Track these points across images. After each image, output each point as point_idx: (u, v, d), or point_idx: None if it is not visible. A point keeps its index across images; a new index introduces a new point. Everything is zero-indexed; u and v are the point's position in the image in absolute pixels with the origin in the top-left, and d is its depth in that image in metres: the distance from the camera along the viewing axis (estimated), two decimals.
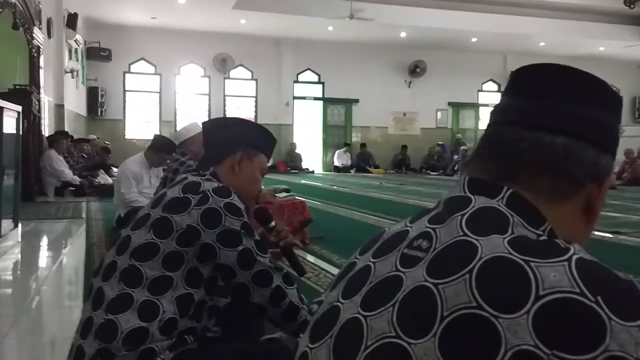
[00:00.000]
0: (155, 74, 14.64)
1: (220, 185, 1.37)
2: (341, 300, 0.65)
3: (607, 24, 14.43)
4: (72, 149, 9.05)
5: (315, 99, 16.18)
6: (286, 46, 15.30)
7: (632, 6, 12.66)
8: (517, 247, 0.55)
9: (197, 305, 1.29)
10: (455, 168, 14.36)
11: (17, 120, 4.36)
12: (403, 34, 14.59)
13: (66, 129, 9.64)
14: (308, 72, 15.96)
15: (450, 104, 17.13)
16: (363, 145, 16.02)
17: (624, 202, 7.54)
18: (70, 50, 10.86)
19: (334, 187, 10.50)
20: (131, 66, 14.42)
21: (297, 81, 15.88)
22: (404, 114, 16.71)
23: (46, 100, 8.72)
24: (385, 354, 0.56)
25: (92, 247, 4.21)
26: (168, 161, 4.28)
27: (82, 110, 12.81)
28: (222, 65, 14.81)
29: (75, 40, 10.90)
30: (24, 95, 6.77)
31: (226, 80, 15.23)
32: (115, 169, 8.36)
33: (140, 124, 14.61)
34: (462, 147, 14.90)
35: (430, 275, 0.56)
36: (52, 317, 2.81)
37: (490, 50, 16.10)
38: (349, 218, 6.07)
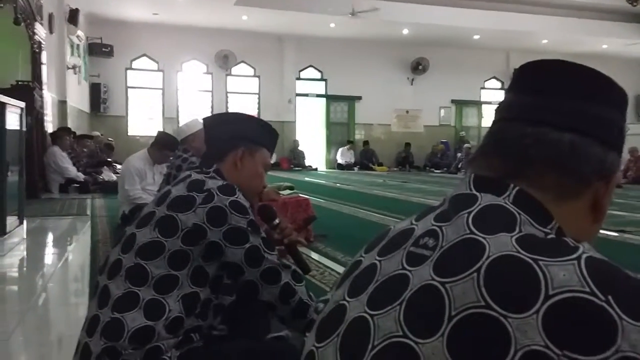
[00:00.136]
0: (158, 70, 14.64)
1: (224, 183, 1.36)
2: (347, 298, 0.64)
3: (610, 22, 14.38)
4: (75, 145, 9.05)
5: (318, 96, 16.16)
6: (288, 43, 15.27)
7: (635, 4, 12.61)
8: (526, 245, 0.54)
9: (203, 304, 1.29)
10: (459, 166, 14.35)
11: (21, 116, 4.35)
12: (405, 31, 14.55)
13: (69, 126, 9.65)
14: (310, 69, 15.94)
15: (453, 101, 17.10)
16: (366, 142, 16.00)
17: (629, 201, 7.52)
18: (72, 46, 10.85)
19: (338, 184, 10.50)
20: (133, 62, 14.41)
21: (299, 78, 15.86)
22: (407, 112, 16.68)
23: (49, 96, 8.72)
24: (392, 353, 0.55)
25: (97, 244, 4.21)
26: (171, 158, 4.28)
27: (85, 107, 12.81)
28: (224, 61, 14.80)
29: (77, 36, 10.90)
30: (27, 91, 6.77)
31: (228, 77, 15.22)
32: (118, 166, 8.37)
33: (143, 120, 14.61)
34: (466, 145, 14.86)
35: (437, 274, 0.56)
36: (58, 314, 2.82)
37: (493, 48, 16.06)
38: (352, 215, 6.06)
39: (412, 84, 16.52)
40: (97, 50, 13.24)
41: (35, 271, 3.63)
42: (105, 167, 9.40)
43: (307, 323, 1.36)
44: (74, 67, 10.60)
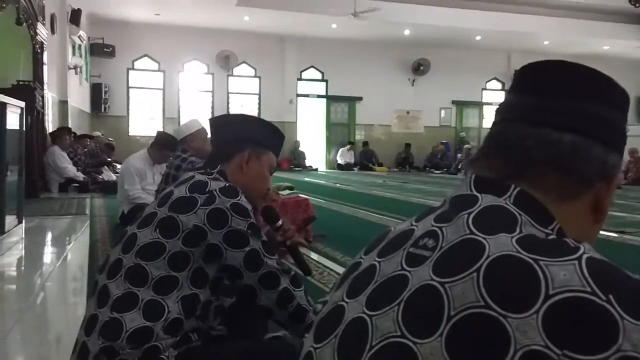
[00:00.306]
0: (159, 70, 14.65)
1: (227, 184, 1.35)
2: (346, 299, 0.64)
3: (612, 23, 14.36)
4: (75, 145, 9.06)
5: (319, 96, 16.16)
6: (290, 43, 15.28)
7: (637, 5, 12.59)
8: (526, 245, 0.54)
9: (203, 306, 1.29)
10: (459, 167, 14.34)
11: (21, 116, 4.36)
12: (407, 32, 14.55)
13: (70, 125, 9.65)
14: (312, 69, 15.94)
15: (454, 102, 17.09)
16: (365, 143, 16.00)
17: (629, 202, 7.52)
18: (73, 46, 10.86)
19: (338, 184, 10.50)
20: (135, 63, 14.43)
21: (300, 79, 15.86)
22: (408, 112, 16.68)
23: (50, 96, 8.72)
24: (390, 353, 0.55)
25: (96, 243, 4.21)
26: (171, 158, 4.28)
27: (86, 107, 12.82)
28: (226, 62, 14.81)
29: (79, 36, 10.90)
30: (28, 91, 6.77)
31: (229, 78, 15.23)
32: (119, 166, 8.37)
33: (144, 120, 14.62)
34: (466, 146, 14.86)
35: (437, 274, 0.56)
36: (56, 313, 2.81)
37: (494, 49, 16.05)
38: (352, 216, 6.06)
39: (412, 85, 16.52)
40: (99, 50, 13.25)
41: (34, 270, 3.63)
42: (105, 167, 9.40)
43: (307, 327, 1.35)
44: (75, 67, 10.61)
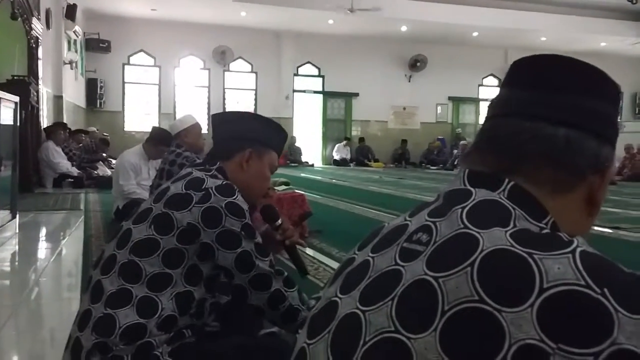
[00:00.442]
0: (155, 66, 14.59)
1: (224, 182, 1.33)
2: (339, 295, 0.64)
3: (609, 20, 14.40)
4: (70, 140, 9.02)
5: (315, 92, 16.15)
6: (286, 39, 15.24)
7: (634, 2, 12.61)
8: (520, 239, 0.54)
9: (198, 304, 1.28)
10: (455, 163, 14.35)
11: (15, 110, 4.33)
12: (404, 28, 14.53)
13: (65, 121, 9.62)
14: (308, 65, 15.91)
15: (450, 98, 17.10)
16: (361, 139, 16.00)
17: (624, 198, 7.54)
18: (69, 41, 10.81)
19: (334, 180, 10.49)
20: (130, 58, 14.37)
21: (297, 74, 15.83)
22: (404, 108, 16.68)
23: (44, 91, 8.68)
24: (384, 349, 0.55)
25: (90, 238, 4.19)
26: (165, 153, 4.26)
27: (81, 102, 12.77)
28: (222, 57, 14.76)
29: (74, 32, 10.85)
30: (22, 86, 6.74)
31: (226, 73, 15.18)
32: (114, 161, 8.34)
33: (140, 116, 14.57)
34: (462, 142, 14.89)
35: (431, 269, 0.55)
36: (50, 308, 2.80)
37: (491, 45, 16.05)
38: (348, 212, 6.06)
39: (409, 81, 16.51)
40: (94, 45, 13.20)
41: (27, 265, 3.61)
42: (100, 162, 9.37)
43: (299, 326, 1.33)
44: (70, 63, 10.56)
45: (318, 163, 15.92)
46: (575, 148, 0.63)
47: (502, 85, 0.71)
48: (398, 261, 0.60)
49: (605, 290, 0.48)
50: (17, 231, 4.35)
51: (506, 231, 0.55)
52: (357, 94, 16.15)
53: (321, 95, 16.23)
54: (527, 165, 0.63)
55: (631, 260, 0.53)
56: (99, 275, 1.27)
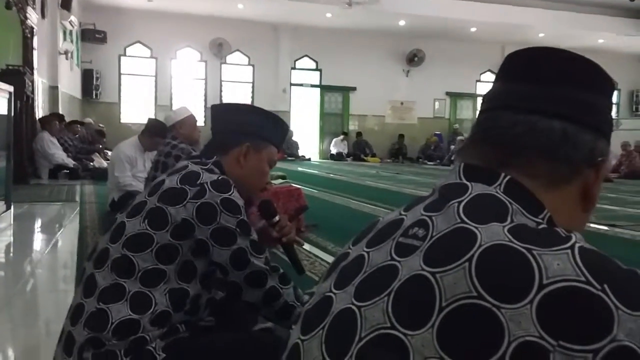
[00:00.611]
0: (151, 57, 14.52)
1: (220, 177, 1.30)
2: (334, 290, 0.63)
3: (607, 16, 14.40)
4: (65, 131, 8.97)
5: (313, 86, 16.11)
6: (284, 32, 15.18)
7: None
8: (518, 235, 0.53)
9: (193, 300, 1.26)
10: (452, 158, 14.37)
11: (9, 100, 4.30)
12: (402, 23, 14.49)
13: (60, 112, 9.56)
14: (306, 58, 15.86)
15: (448, 93, 17.09)
16: (359, 134, 15.98)
17: (620, 195, 7.56)
18: (64, 32, 10.73)
19: (331, 175, 10.48)
20: (127, 49, 14.28)
21: (294, 68, 15.79)
22: (402, 103, 16.66)
23: (40, 81, 8.62)
24: (380, 345, 0.54)
25: (85, 230, 4.17)
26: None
27: (77, 93, 12.70)
28: (219, 50, 14.70)
29: (70, 22, 10.77)
30: (17, 76, 6.67)
31: (223, 66, 15.12)
32: (110, 153, 8.31)
33: (136, 107, 14.50)
34: (459, 137, 14.89)
35: (428, 264, 0.55)
36: (45, 300, 2.78)
37: (489, 41, 16.03)
38: (344, 206, 6.05)
39: (407, 76, 16.49)
40: (90, 36, 13.11)
41: (22, 257, 3.59)
42: (96, 153, 9.32)
43: (294, 322, 1.32)
44: (66, 53, 10.49)
45: (315, 157, 15.90)
46: (571, 141, 0.62)
47: (496, 78, 0.71)
48: (394, 256, 0.59)
49: (606, 286, 0.48)
50: (12, 222, 4.33)
51: (504, 226, 0.54)
52: (354, 88, 16.11)
53: (318, 89, 16.19)
54: (522, 158, 0.62)
55: (627, 258, 0.52)
56: (92, 268, 1.25)
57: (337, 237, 3.99)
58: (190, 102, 13.86)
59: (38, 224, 4.82)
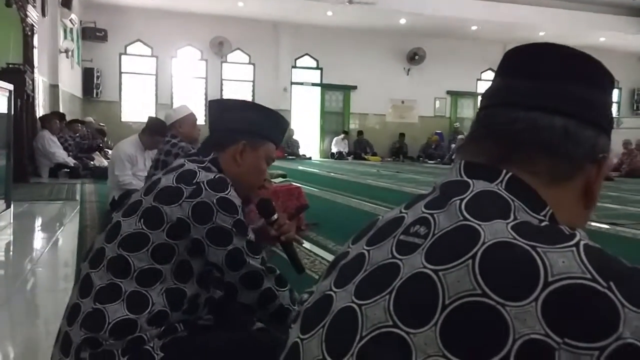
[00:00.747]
0: (152, 56, 14.51)
1: (216, 176, 1.29)
2: (334, 289, 0.62)
3: (608, 15, 14.39)
4: (66, 130, 8.96)
5: (314, 84, 16.09)
6: (284, 31, 15.17)
7: None
8: (522, 232, 0.53)
9: (190, 300, 1.25)
10: (453, 157, 14.34)
11: (9, 99, 4.28)
12: (403, 21, 14.47)
13: (61, 110, 9.56)
14: (306, 57, 15.85)
15: (449, 92, 17.08)
16: (360, 132, 15.97)
17: (622, 194, 7.55)
18: (65, 30, 10.73)
19: (331, 173, 10.48)
20: (127, 48, 14.28)
21: (295, 66, 15.78)
22: (402, 102, 16.65)
23: (40, 80, 8.62)
24: (382, 344, 0.53)
25: (85, 229, 4.16)
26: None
27: (78, 92, 12.70)
28: (220, 48, 14.69)
29: (71, 20, 10.77)
30: (17, 74, 6.67)
31: (223, 64, 15.12)
32: (110, 151, 8.30)
33: (137, 106, 14.50)
34: (460, 136, 14.87)
35: (430, 262, 0.54)
36: (45, 298, 2.77)
37: (490, 39, 16.01)
38: (345, 205, 6.04)
39: (408, 74, 16.48)
40: (91, 34, 13.11)
41: (22, 255, 3.58)
42: (97, 152, 9.32)
43: (289, 326, 1.30)
44: (66, 51, 10.48)
45: (316, 156, 15.90)
46: (572, 138, 0.62)
47: (496, 74, 0.70)
48: (395, 254, 0.59)
49: (612, 284, 0.47)
50: (12, 221, 4.32)
51: (507, 223, 0.54)
52: (355, 87, 16.10)
53: (319, 88, 16.19)
54: (523, 155, 0.62)
55: (629, 257, 0.52)
56: (87, 268, 1.24)
57: (338, 236, 3.99)
58: (191, 100, 13.85)
59: (38, 222, 4.81)
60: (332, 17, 14.09)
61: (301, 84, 15.97)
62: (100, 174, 7.42)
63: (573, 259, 0.49)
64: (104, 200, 5.35)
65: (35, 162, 7.85)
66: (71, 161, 8.15)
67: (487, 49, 16.44)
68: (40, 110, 8.57)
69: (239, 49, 15.07)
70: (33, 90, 7.83)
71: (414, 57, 16.28)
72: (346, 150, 15.75)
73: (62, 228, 4.37)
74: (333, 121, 16.46)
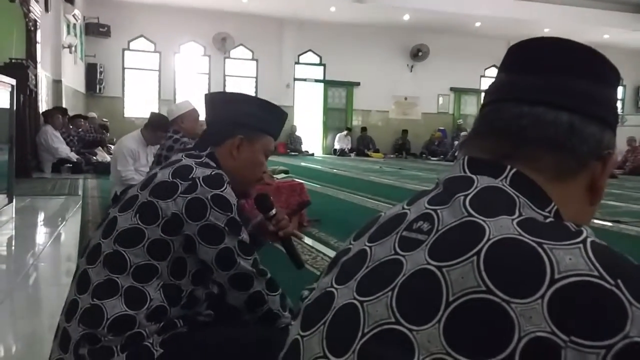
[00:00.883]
0: (155, 51, 14.50)
1: (213, 173, 1.27)
2: (335, 285, 0.61)
3: (613, 12, 14.31)
4: (69, 125, 8.97)
5: (317, 81, 16.06)
6: (288, 26, 15.13)
7: None
8: (528, 228, 0.52)
9: (189, 295, 1.24)
10: (456, 154, 14.31)
11: (11, 94, 4.28)
12: (406, 17, 14.42)
13: (64, 105, 9.57)
14: (309, 53, 15.82)
15: (452, 89, 17.03)
16: (364, 129, 15.95)
17: (625, 192, 7.53)
18: (68, 25, 10.72)
19: (334, 170, 10.46)
20: (130, 43, 14.27)
21: (298, 62, 15.75)
22: (405, 98, 16.61)
23: (43, 75, 8.62)
24: (383, 341, 0.52)
25: (87, 224, 4.17)
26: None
27: (81, 87, 12.70)
28: (223, 44, 14.67)
29: (74, 15, 10.76)
30: (20, 69, 6.66)
31: (226, 60, 15.10)
32: (113, 147, 8.30)
33: (140, 102, 14.50)
34: (463, 133, 14.82)
35: (433, 258, 0.54)
36: (45, 292, 2.78)
37: (493, 36, 15.94)
38: (348, 201, 6.03)
39: (411, 71, 16.43)
40: (94, 30, 13.10)
41: (24, 250, 3.59)
42: (99, 147, 9.33)
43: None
44: (69, 47, 10.48)
45: (318, 152, 15.88)
46: (578, 133, 0.61)
47: (500, 69, 0.69)
48: (398, 250, 0.58)
49: (619, 281, 0.46)
50: (14, 216, 4.33)
51: (513, 219, 0.53)
52: (358, 83, 16.07)
53: (322, 84, 16.16)
54: (528, 150, 0.61)
55: (632, 255, 0.51)
56: (85, 264, 1.23)
57: (340, 232, 3.98)
58: (194, 96, 13.81)
59: (40, 217, 4.82)
60: (336, 13, 14.05)
61: (304, 80, 15.94)
62: (102, 169, 7.43)
63: (580, 256, 0.48)
64: (106, 195, 5.35)
65: (38, 157, 7.86)
66: (74, 156, 8.16)
67: (491, 46, 16.35)
68: (43, 106, 8.58)
69: (242, 44, 15.05)
70: (36, 86, 7.83)
71: (418, 54, 16.23)
72: (349, 146, 15.73)
73: (64, 223, 4.37)
74: (336, 117, 16.44)
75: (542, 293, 0.47)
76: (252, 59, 15.35)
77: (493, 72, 17.26)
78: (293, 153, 14.73)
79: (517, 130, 0.61)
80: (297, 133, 15.43)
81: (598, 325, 0.45)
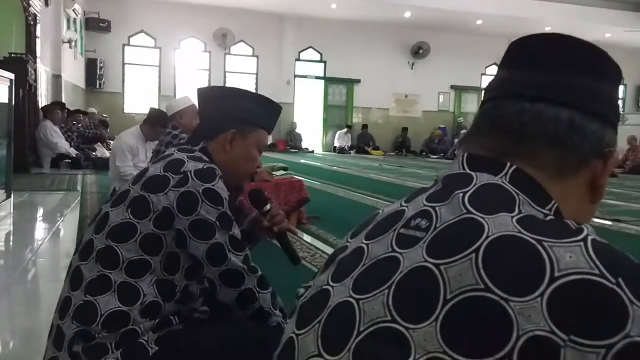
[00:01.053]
0: (155, 47, 14.47)
1: (205, 167, 1.26)
2: (331, 283, 0.61)
3: (614, 10, 14.29)
4: (68, 120, 8.95)
5: (317, 78, 16.04)
6: (288, 23, 15.10)
7: None
8: (527, 226, 0.51)
9: (183, 290, 1.23)
10: (456, 152, 14.31)
11: (10, 88, 4.27)
12: (407, 14, 14.39)
13: (64, 100, 9.54)
14: (310, 50, 15.79)
15: (452, 87, 17.01)
16: (364, 126, 15.94)
17: (625, 190, 7.52)
18: (68, 20, 10.69)
19: (334, 167, 10.45)
20: (131, 38, 14.24)
21: (298, 59, 15.73)
22: (406, 96, 16.59)
23: (43, 70, 8.59)
24: (379, 339, 0.52)
25: (85, 220, 4.15)
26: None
27: (81, 82, 12.68)
28: (223, 40, 14.64)
29: (74, 10, 10.72)
30: (20, 64, 6.65)
31: (227, 56, 15.08)
32: (112, 142, 8.29)
33: (140, 97, 14.48)
34: (463, 131, 14.81)
35: (431, 256, 0.53)
36: (44, 288, 2.77)
37: (495, 34, 15.90)
38: (347, 198, 6.02)
39: (412, 68, 16.41)
40: (94, 25, 13.07)
41: (22, 245, 3.58)
42: (99, 143, 9.31)
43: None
44: (69, 42, 10.45)
45: (318, 149, 15.87)
46: (579, 131, 0.60)
47: (501, 66, 0.68)
48: (395, 248, 0.57)
49: (620, 280, 0.46)
50: (12, 211, 4.32)
51: (512, 217, 0.52)
52: (358, 81, 16.05)
53: (322, 81, 16.13)
54: (528, 147, 0.60)
55: (632, 254, 0.50)
56: (77, 260, 1.22)
57: (339, 230, 3.97)
58: (194, 92, 13.78)
59: (39, 212, 4.81)
60: (336, 10, 14.02)
61: (304, 76, 15.92)
62: (101, 165, 7.42)
63: (580, 253, 0.47)
64: (105, 191, 5.34)
65: (37, 152, 7.85)
66: (73, 152, 8.15)
67: (492, 44, 16.31)
68: (42, 100, 8.56)
69: (242, 41, 15.02)
70: (35, 80, 7.81)
71: (418, 51, 16.20)
72: (349, 144, 15.72)
73: (62, 218, 4.36)
74: (336, 115, 16.42)
75: (542, 291, 0.46)
76: (253, 56, 15.33)
77: (494, 70, 17.18)
78: (293, 150, 14.72)
79: (518, 127, 0.61)
80: (297, 130, 15.41)
81: (598, 324, 0.44)
